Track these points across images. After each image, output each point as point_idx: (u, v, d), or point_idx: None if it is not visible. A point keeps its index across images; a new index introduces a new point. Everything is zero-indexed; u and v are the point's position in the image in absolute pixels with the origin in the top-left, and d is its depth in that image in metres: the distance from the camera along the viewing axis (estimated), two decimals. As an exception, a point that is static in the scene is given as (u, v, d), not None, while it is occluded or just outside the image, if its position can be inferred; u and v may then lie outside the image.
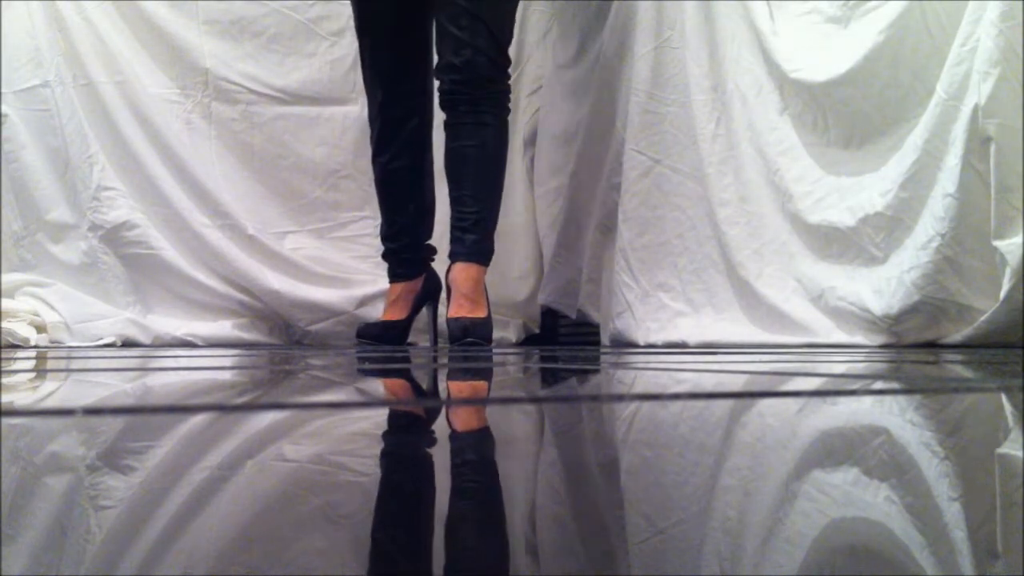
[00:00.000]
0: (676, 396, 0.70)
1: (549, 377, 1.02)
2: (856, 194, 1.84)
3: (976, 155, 1.62)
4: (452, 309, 2.02)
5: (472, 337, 1.96)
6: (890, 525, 0.30)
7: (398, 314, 2.15)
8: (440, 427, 0.58)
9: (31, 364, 1.31)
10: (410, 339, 2.36)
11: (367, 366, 1.23)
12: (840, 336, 1.83)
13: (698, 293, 2.06)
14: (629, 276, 2.12)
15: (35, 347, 2.14)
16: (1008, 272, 1.57)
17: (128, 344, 2.25)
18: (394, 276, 2.17)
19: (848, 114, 1.87)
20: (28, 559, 0.26)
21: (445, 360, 1.38)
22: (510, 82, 2.05)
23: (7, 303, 2.23)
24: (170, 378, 0.94)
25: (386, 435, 0.53)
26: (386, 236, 2.16)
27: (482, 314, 2.02)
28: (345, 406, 0.63)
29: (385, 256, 2.18)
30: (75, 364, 1.26)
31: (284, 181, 2.43)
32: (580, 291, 2.30)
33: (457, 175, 2.04)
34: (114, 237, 2.33)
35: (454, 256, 2.04)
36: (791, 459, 0.43)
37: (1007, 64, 1.58)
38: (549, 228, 2.40)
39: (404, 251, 2.15)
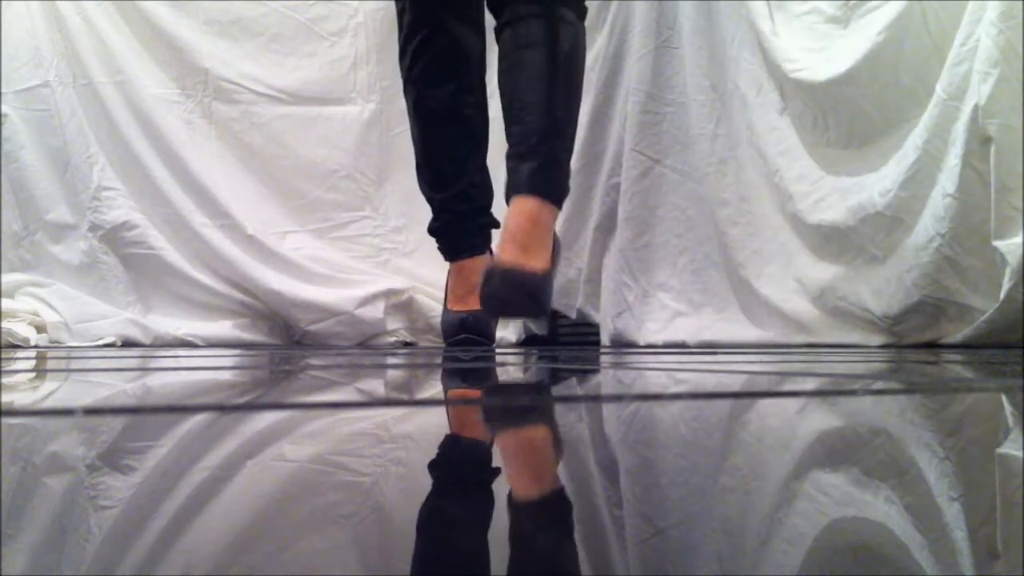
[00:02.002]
0: (676, 396, 0.70)
1: (549, 377, 1.02)
2: (856, 194, 1.84)
3: (976, 155, 1.62)
4: (497, 254, 1.53)
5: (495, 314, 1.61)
6: (890, 525, 0.30)
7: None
8: (439, 427, 0.58)
9: (31, 364, 1.31)
10: (409, 339, 2.36)
11: (365, 363, 1.23)
12: (840, 336, 1.84)
13: (698, 293, 2.06)
14: (629, 276, 2.12)
15: (35, 347, 2.13)
16: (1008, 272, 1.57)
17: (128, 344, 2.25)
18: (465, 249, 1.80)
19: (848, 114, 1.87)
20: (28, 559, 0.26)
21: (439, 360, 1.38)
22: None
23: (7, 303, 2.23)
24: (170, 378, 0.94)
25: (386, 436, 0.53)
26: (453, 195, 1.75)
27: (538, 265, 1.47)
28: (345, 406, 0.63)
29: (447, 227, 1.79)
30: (75, 364, 1.26)
31: (284, 181, 2.43)
32: (580, 291, 2.30)
33: (513, 83, 1.55)
34: (114, 237, 2.33)
35: (509, 192, 1.56)
36: (791, 459, 0.43)
37: (1007, 64, 1.58)
38: (549, 228, 2.40)
39: (480, 213, 1.79)
